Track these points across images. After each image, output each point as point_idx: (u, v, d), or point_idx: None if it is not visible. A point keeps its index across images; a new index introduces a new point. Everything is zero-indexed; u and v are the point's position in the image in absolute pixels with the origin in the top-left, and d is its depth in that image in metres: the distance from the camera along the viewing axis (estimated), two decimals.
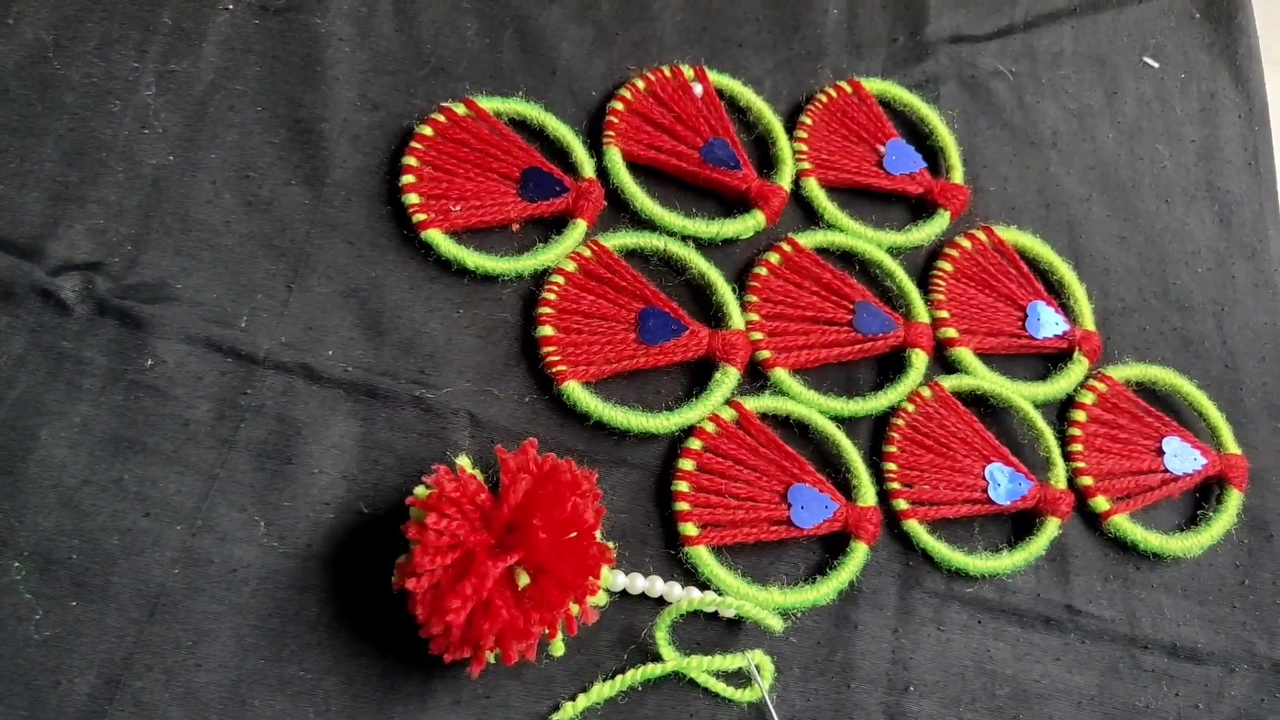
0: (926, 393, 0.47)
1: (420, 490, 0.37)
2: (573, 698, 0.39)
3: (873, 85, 0.53)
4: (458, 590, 0.35)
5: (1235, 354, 0.53)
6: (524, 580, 0.36)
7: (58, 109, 0.43)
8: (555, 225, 0.46)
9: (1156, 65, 0.59)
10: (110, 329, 0.40)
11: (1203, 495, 0.49)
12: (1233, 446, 0.49)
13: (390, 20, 0.48)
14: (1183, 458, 0.48)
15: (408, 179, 0.45)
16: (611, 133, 0.48)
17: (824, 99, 0.52)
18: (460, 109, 0.47)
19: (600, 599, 0.39)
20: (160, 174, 0.43)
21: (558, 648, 0.37)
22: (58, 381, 0.39)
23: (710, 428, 0.44)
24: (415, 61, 0.48)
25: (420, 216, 0.44)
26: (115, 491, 0.38)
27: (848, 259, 0.50)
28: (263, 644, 0.37)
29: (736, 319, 0.46)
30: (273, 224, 0.43)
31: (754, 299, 0.47)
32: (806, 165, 0.50)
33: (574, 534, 0.37)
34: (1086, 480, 0.47)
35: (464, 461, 0.38)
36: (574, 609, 0.37)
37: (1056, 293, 0.51)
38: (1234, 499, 0.48)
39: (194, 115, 0.44)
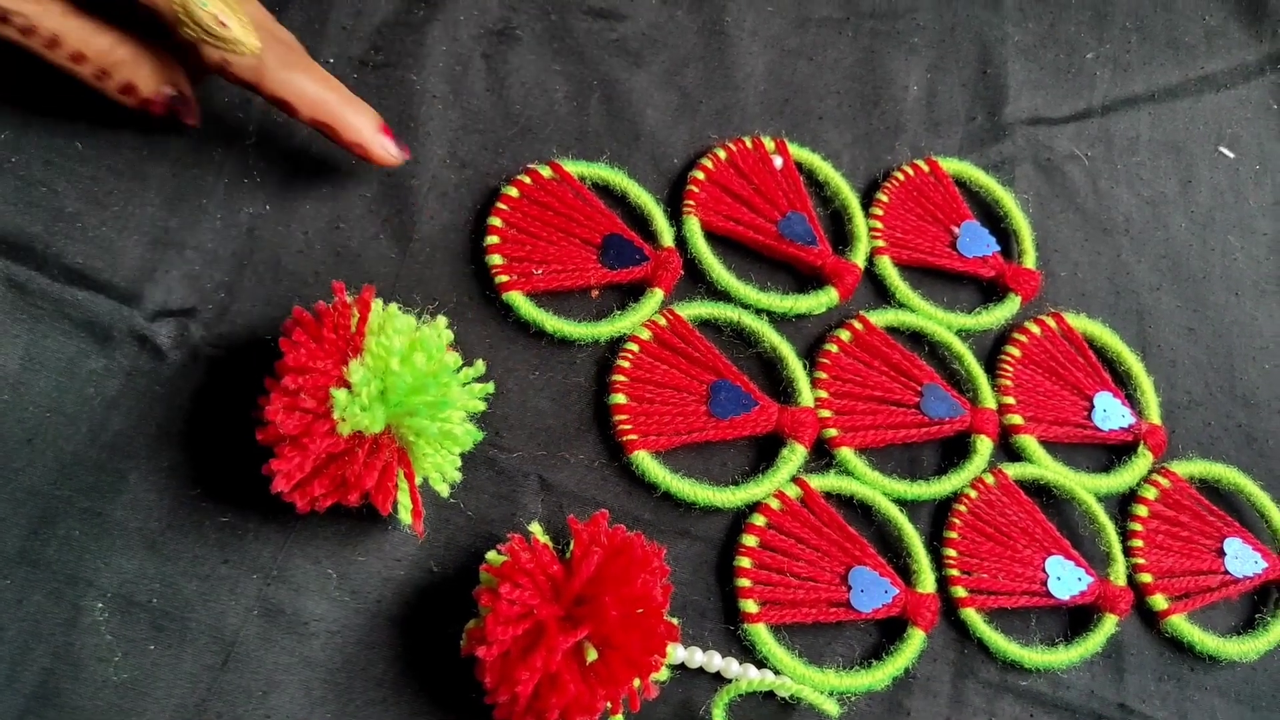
0: (990, 480, 0.47)
1: (494, 557, 0.38)
2: None
3: (950, 165, 0.53)
4: (528, 662, 0.35)
5: None
6: (591, 655, 0.36)
7: (163, 154, 0.44)
8: (633, 292, 0.47)
9: (1232, 155, 0.59)
10: (201, 375, 0.41)
11: (1261, 598, 0.49)
12: None
13: (482, 79, 0.49)
14: (1243, 560, 0.48)
15: (492, 239, 0.46)
16: (692, 202, 0.49)
17: (901, 177, 0.52)
18: (546, 171, 0.48)
19: (663, 675, 0.39)
20: (255, 223, 0.44)
21: None
22: (149, 425, 0.40)
23: (775, 505, 0.44)
24: (504, 121, 0.49)
25: (503, 278, 0.45)
26: (196, 537, 0.39)
27: (917, 339, 0.50)
28: (330, 698, 0.38)
29: (806, 396, 0.46)
30: (360, 276, 0.44)
31: (823, 375, 0.47)
32: (881, 243, 0.51)
33: (642, 610, 0.37)
34: (1146, 577, 0.47)
35: (537, 529, 0.39)
36: (637, 684, 0.37)
37: (1123, 383, 0.51)
38: None
39: (291, 165, 0.45)
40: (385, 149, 0.42)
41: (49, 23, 0.38)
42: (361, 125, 0.42)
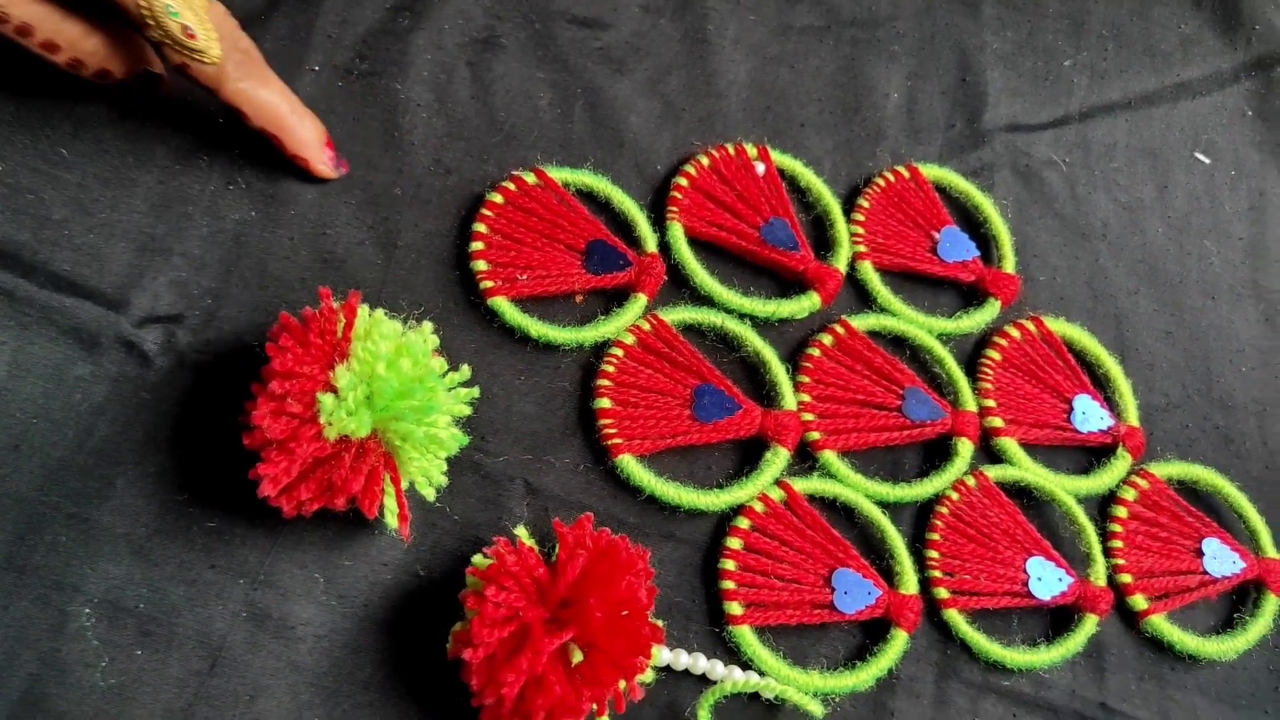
0: (971, 482, 0.47)
1: (480, 560, 0.38)
2: None
3: (930, 171, 0.54)
4: (513, 664, 0.36)
5: (1276, 455, 0.53)
6: (577, 657, 0.37)
7: (148, 161, 0.44)
8: (617, 297, 0.47)
9: (1208, 161, 0.60)
10: (188, 381, 0.41)
11: (1239, 598, 0.49)
12: (1271, 550, 0.50)
13: (467, 87, 0.50)
14: (1221, 560, 0.49)
15: (477, 245, 0.46)
16: (675, 208, 0.49)
17: (882, 183, 0.53)
18: (530, 178, 0.48)
19: (648, 676, 0.40)
20: (241, 229, 0.44)
21: None
22: (135, 431, 0.40)
23: (759, 508, 0.44)
24: (489, 129, 0.49)
25: (488, 283, 0.45)
26: (183, 542, 0.39)
27: (899, 343, 0.50)
28: (317, 702, 0.38)
29: (789, 399, 0.47)
30: (346, 282, 0.44)
31: (806, 379, 0.48)
32: (862, 248, 0.51)
33: (627, 612, 0.38)
34: (1126, 578, 0.47)
35: (522, 533, 0.39)
36: (622, 686, 0.38)
37: (1102, 386, 0.52)
38: (1270, 603, 0.48)
39: (276, 172, 0.46)
40: (324, 163, 0.45)
41: (17, 10, 0.39)
42: (307, 138, 0.44)
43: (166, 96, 0.45)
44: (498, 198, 0.47)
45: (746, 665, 0.42)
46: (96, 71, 0.42)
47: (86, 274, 0.42)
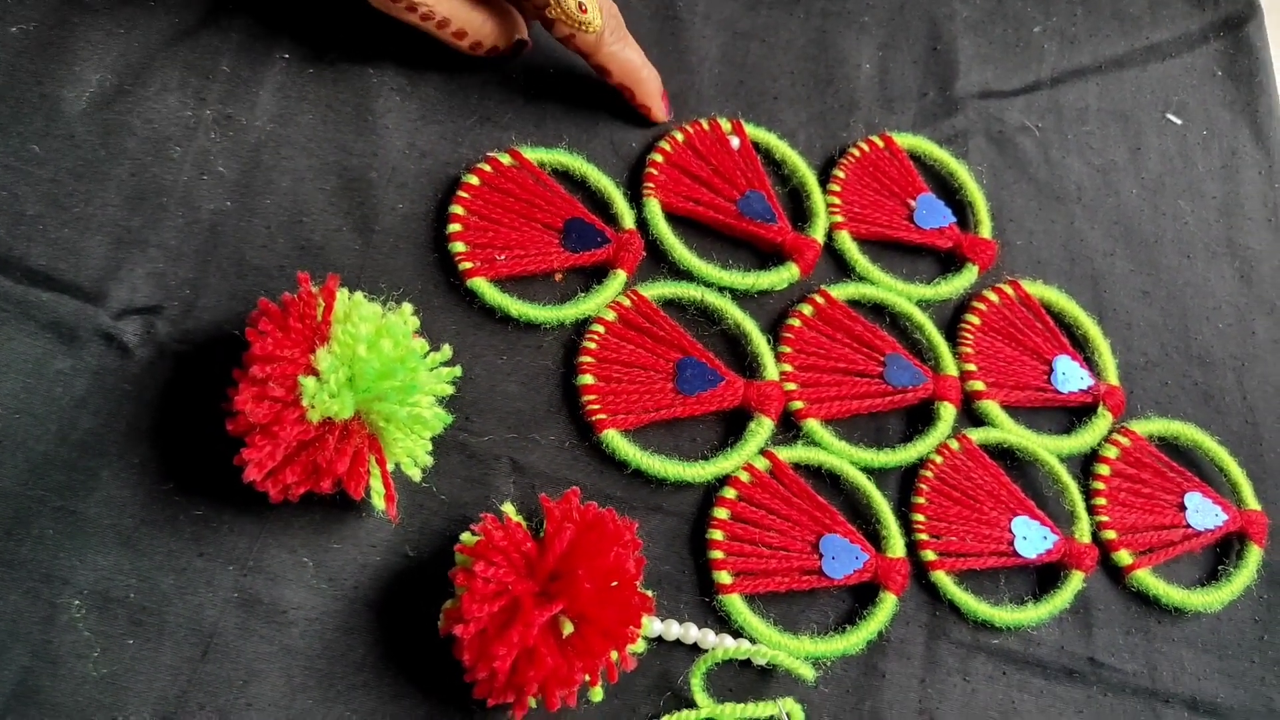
0: (954, 445, 0.48)
1: (468, 537, 0.39)
2: None
3: (904, 140, 0.54)
4: (504, 638, 0.36)
5: (1255, 409, 0.54)
6: (568, 628, 0.37)
7: (120, 154, 0.44)
8: (596, 275, 0.48)
9: (1179, 122, 0.60)
10: (169, 372, 0.41)
11: (1223, 550, 0.50)
12: (1253, 502, 0.50)
13: (439, 70, 0.50)
14: (1204, 513, 0.49)
15: (454, 227, 0.46)
16: (651, 185, 0.49)
17: (857, 153, 0.53)
18: (506, 159, 0.48)
19: (639, 646, 0.40)
20: (218, 219, 0.44)
21: (597, 694, 0.38)
22: (118, 423, 0.40)
23: (745, 477, 0.45)
24: (463, 111, 0.49)
25: (466, 265, 0.46)
26: (171, 531, 0.39)
27: (879, 311, 0.51)
28: (311, 684, 0.38)
29: (771, 370, 0.47)
30: (325, 269, 0.44)
31: (787, 350, 0.48)
32: (839, 218, 0.51)
33: (616, 583, 0.38)
34: (1110, 534, 0.48)
35: (509, 509, 0.39)
36: (614, 656, 0.38)
37: (1081, 347, 0.52)
38: (1254, 555, 0.49)
39: (250, 161, 0.46)
40: (663, 111, 0.51)
41: (441, 8, 0.45)
42: (654, 90, 0.50)
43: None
44: (474, 179, 0.47)
45: (737, 633, 0.42)
46: (489, 49, 0.48)
47: (63, 268, 0.42)
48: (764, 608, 0.43)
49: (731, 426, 0.46)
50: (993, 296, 0.52)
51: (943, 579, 0.45)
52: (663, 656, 0.42)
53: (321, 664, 0.39)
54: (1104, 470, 0.49)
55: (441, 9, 0.45)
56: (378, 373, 0.37)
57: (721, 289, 0.48)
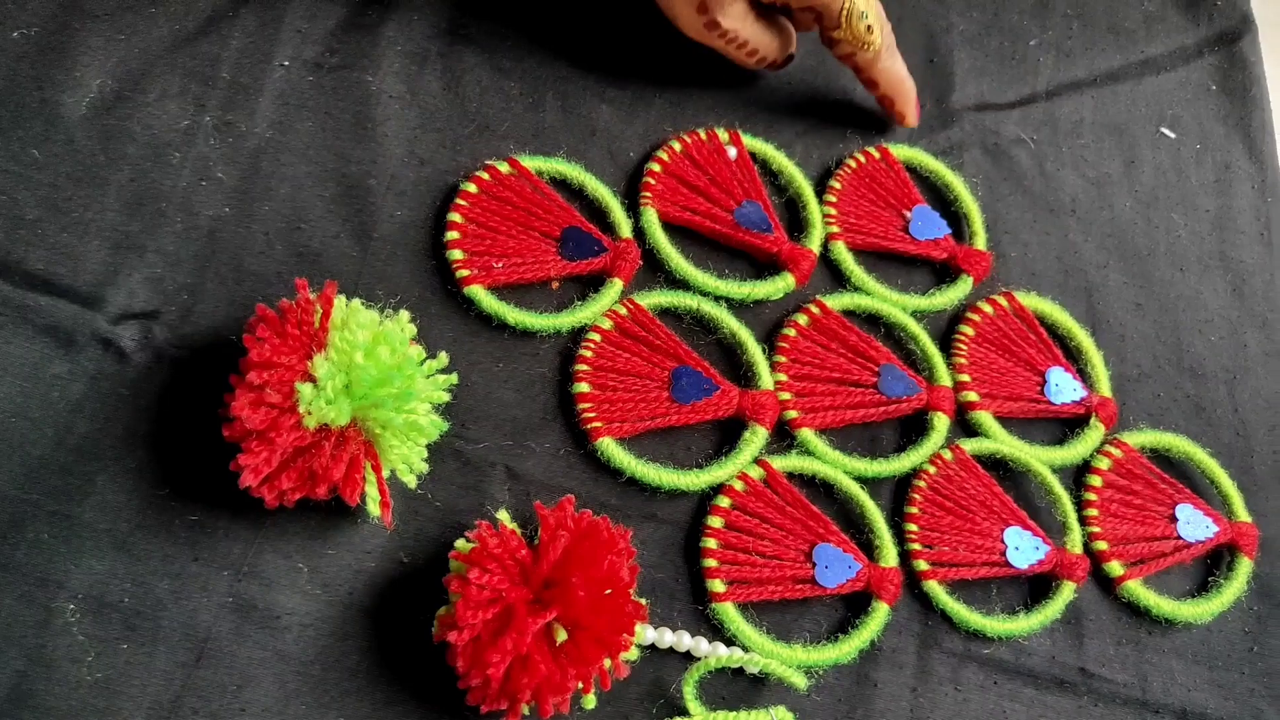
0: (948, 455, 0.48)
1: (462, 544, 0.39)
2: None
3: (900, 152, 0.55)
4: (498, 645, 0.36)
5: (1246, 422, 0.54)
6: (561, 636, 0.37)
7: (120, 159, 0.44)
8: (593, 283, 0.48)
9: (1173, 136, 0.61)
10: (166, 377, 0.41)
11: (1214, 562, 0.50)
12: (1243, 514, 0.50)
13: (439, 78, 0.50)
14: (1195, 525, 0.50)
15: (452, 235, 0.46)
16: (648, 194, 0.50)
17: (853, 164, 0.54)
18: (504, 167, 0.48)
19: (633, 654, 0.40)
20: (216, 225, 0.44)
21: (590, 701, 0.38)
22: (115, 427, 0.40)
23: (739, 486, 0.45)
24: (461, 119, 0.49)
25: (464, 272, 0.46)
26: (166, 536, 0.39)
27: (873, 321, 0.51)
28: (304, 690, 0.38)
29: (766, 379, 0.47)
30: (322, 276, 0.45)
31: (782, 359, 0.48)
32: (835, 229, 0.52)
33: (610, 591, 0.38)
34: (1101, 545, 0.48)
35: (504, 516, 0.39)
36: (608, 664, 0.38)
37: (1074, 358, 0.53)
38: (1244, 566, 0.49)
39: (249, 168, 0.46)
40: (915, 118, 0.53)
41: (747, 34, 0.48)
42: (912, 99, 0.52)
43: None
44: (472, 187, 0.48)
45: (730, 641, 0.43)
46: (771, 63, 0.51)
47: (61, 273, 0.42)
48: (757, 616, 0.43)
49: (726, 435, 0.47)
50: (987, 308, 0.52)
51: (935, 589, 0.45)
52: (656, 664, 0.42)
53: (315, 670, 0.39)
54: (1096, 481, 0.49)
55: (747, 34, 0.48)
56: (374, 380, 0.38)
57: (717, 298, 0.49)
